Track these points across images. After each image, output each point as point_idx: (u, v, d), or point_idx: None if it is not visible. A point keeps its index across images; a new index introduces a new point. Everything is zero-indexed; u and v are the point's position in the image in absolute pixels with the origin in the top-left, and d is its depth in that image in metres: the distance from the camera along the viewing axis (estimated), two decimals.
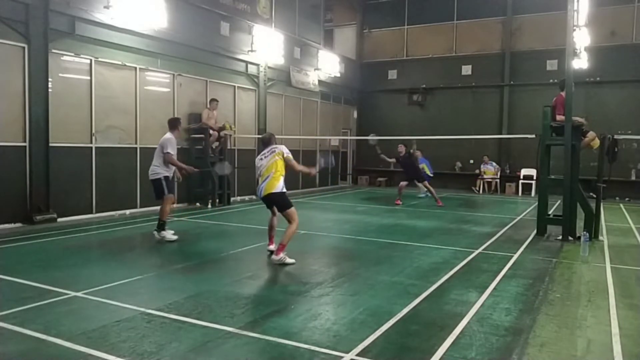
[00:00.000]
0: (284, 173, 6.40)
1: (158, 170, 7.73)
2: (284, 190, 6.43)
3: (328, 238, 8.48)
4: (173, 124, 8.05)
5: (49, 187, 9.05)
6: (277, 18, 15.01)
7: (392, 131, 16.72)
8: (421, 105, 19.10)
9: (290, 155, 6.54)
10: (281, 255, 6.20)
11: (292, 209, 6.42)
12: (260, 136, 14.32)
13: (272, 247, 6.73)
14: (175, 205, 11.73)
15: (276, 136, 15.84)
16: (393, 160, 13.79)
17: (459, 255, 6.92)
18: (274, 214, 6.82)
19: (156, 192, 7.85)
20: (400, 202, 13.21)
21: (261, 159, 6.49)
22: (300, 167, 6.72)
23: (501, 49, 17.87)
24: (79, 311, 4.41)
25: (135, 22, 10.27)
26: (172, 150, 7.72)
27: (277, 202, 6.47)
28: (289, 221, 6.40)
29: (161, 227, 7.71)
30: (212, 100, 12.20)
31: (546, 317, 4.46)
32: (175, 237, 7.69)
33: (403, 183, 13.60)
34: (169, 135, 7.83)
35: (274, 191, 6.32)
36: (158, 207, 10.94)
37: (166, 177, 7.78)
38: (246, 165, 14.01)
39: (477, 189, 17.32)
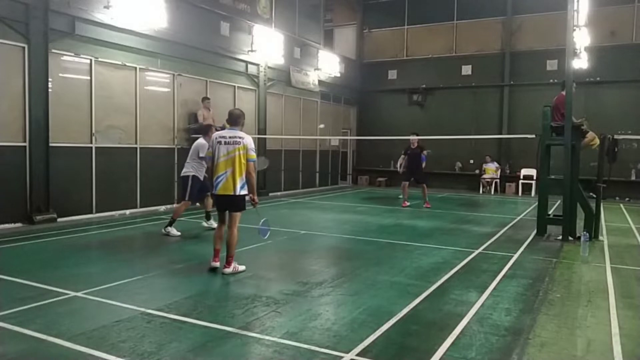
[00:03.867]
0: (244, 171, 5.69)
1: (189, 169, 8.21)
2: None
3: (328, 238, 8.48)
4: (205, 130, 8.44)
5: (49, 187, 9.05)
6: (277, 18, 15.01)
7: (392, 131, 16.73)
8: (421, 105, 19.10)
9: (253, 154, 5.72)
10: (233, 264, 5.78)
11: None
12: (258, 136, 14.49)
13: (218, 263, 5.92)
14: (175, 205, 11.74)
15: (276, 136, 15.71)
16: (402, 156, 13.09)
17: (459, 255, 6.92)
18: (223, 221, 5.91)
19: (182, 190, 8.44)
20: (408, 203, 12.67)
21: (220, 142, 5.68)
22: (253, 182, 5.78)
23: (501, 49, 17.87)
24: (79, 311, 4.41)
25: (135, 22, 10.27)
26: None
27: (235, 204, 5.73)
28: (233, 225, 5.78)
29: (170, 223, 8.14)
30: (204, 98, 12.02)
31: (546, 317, 4.46)
32: (178, 234, 8.10)
33: (405, 183, 12.97)
34: (202, 140, 8.20)
35: (232, 193, 5.62)
36: (158, 207, 11.11)
37: (195, 177, 8.16)
38: None
39: (485, 189, 17.33)
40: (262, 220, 6.41)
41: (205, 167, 7.62)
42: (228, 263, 5.77)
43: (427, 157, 13.94)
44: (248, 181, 5.73)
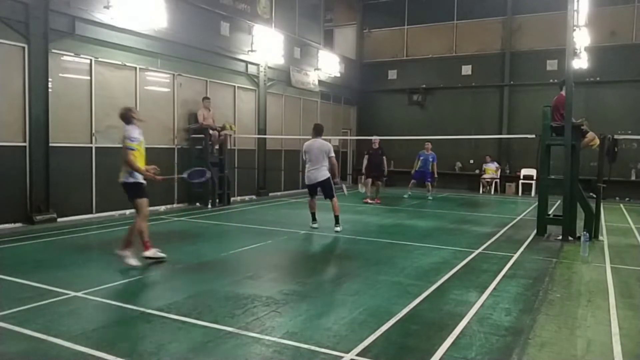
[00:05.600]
0: None
1: (326, 172, 8.86)
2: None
3: (328, 238, 8.48)
4: (321, 130, 9.09)
5: (49, 187, 9.05)
6: (277, 18, 15.01)
7: (392, 131, 16.74)
8: (421, 106, 19.09)
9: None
10: (152, 250, 6.09)
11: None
12: (258, 136, 14.53)
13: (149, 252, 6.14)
14: (175, 205, 11.78)
15: (276, 136, 15.77)
16: (365, 156, 13.66)
17: (459, 255, 6.92)
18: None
19: (326, 191, 8.93)
20: (371, 201, 13.02)
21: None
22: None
23: (501, 49, 17.87)
24: (79, 311, 4.41)
25: (135, 22, 10.27)
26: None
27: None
28: (137, 214, 6.15)
29: (337, 220, 8.80)
30: (205, 98, 12.04)
31: (546, 317, 4.46)
32: (339, 229, 8.70)
33: (368, 180, 13.42)
34: (323, 141, 8.92)
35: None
36: (158, 207, 11.09)
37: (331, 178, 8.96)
38: (247, 166, 14.05)
39: (485, 189, 17.33)
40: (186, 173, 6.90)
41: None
42: (145, 247, 6.02)
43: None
44: (130, 166, 5.95)
